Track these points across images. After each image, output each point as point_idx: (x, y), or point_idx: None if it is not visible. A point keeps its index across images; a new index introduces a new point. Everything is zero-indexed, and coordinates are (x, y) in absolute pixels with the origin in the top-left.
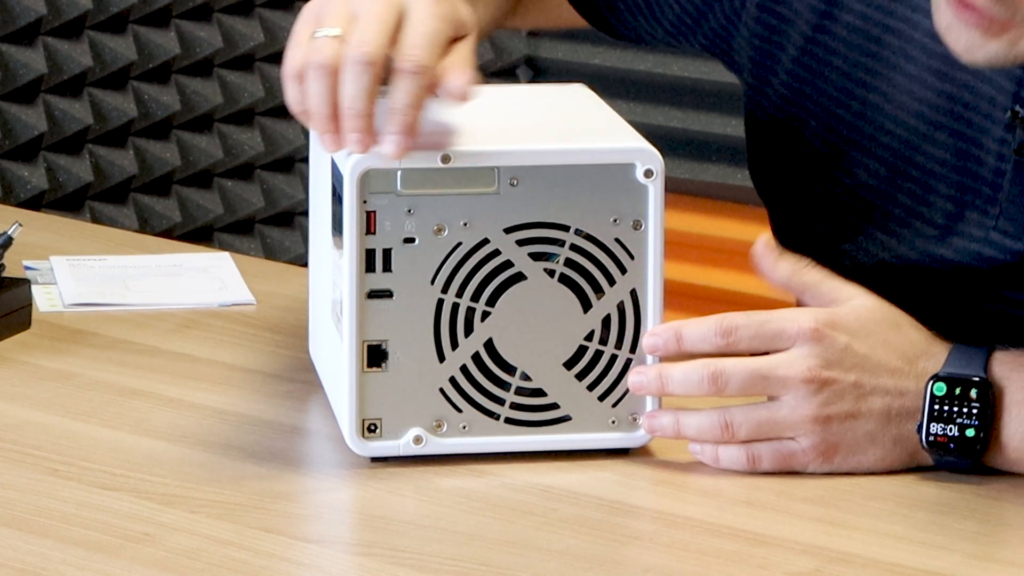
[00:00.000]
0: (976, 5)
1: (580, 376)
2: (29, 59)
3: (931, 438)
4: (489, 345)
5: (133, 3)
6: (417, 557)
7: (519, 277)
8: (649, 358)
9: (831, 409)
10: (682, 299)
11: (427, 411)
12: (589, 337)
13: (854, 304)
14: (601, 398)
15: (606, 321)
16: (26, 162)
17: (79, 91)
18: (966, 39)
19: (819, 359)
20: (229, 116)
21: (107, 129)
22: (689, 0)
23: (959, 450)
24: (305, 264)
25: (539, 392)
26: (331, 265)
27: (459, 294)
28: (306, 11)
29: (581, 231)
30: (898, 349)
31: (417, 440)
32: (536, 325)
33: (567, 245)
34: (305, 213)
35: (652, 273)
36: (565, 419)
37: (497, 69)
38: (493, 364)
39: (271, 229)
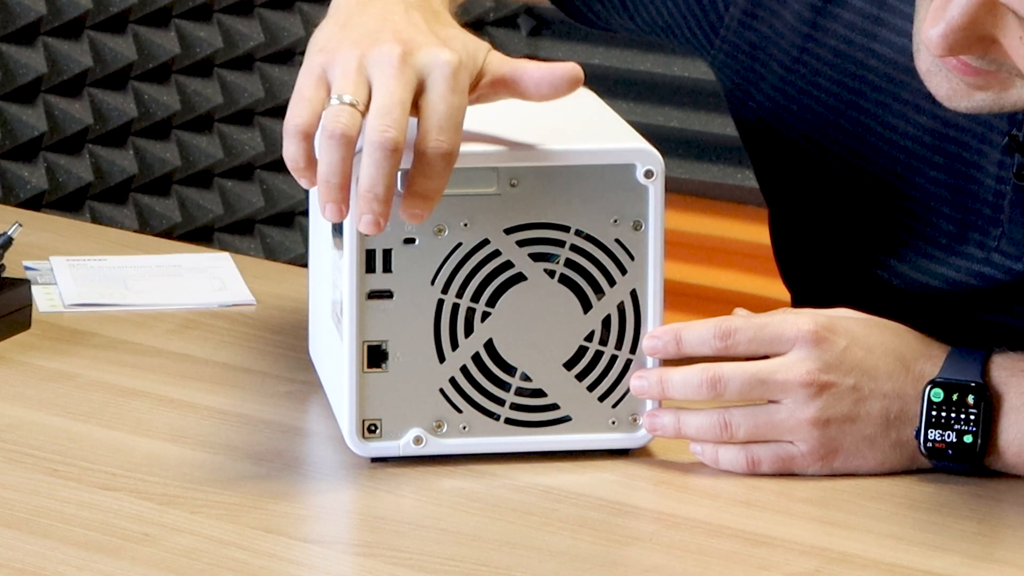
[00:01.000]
0: (961, 57)
1: (580, 376)
2: (29, 59)
3: (929, 444)
4: (489, 345)
5: (133, 3)
6: (417, 557)
7: (519, 278)
8: (649, 360)
9: (830, 412)
10: (682, 299)
11: (427, 411)
12: (589, 338)
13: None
14: (601, 399)
15: (606, 322)
16: (26, 162)
17: (79, 91)
18: (948, 87)
19: (818, 362)
20: (229, 116)
21: (107, 129)
22: (665, 6)
23: (957, 456)
24: (305, 264)
25: (539, 393)
26: (331, 265)
27: (459, 294)
28: (310, 63)
29: (581, 232)
30: (896, 352)
31: (417, 440)
32: (536, 325)
33: (567, 246)
34: (305, 213)
35: (652, 273)
36: (565, 419)
37: None
38: (493, 364)
39: (271, 229)
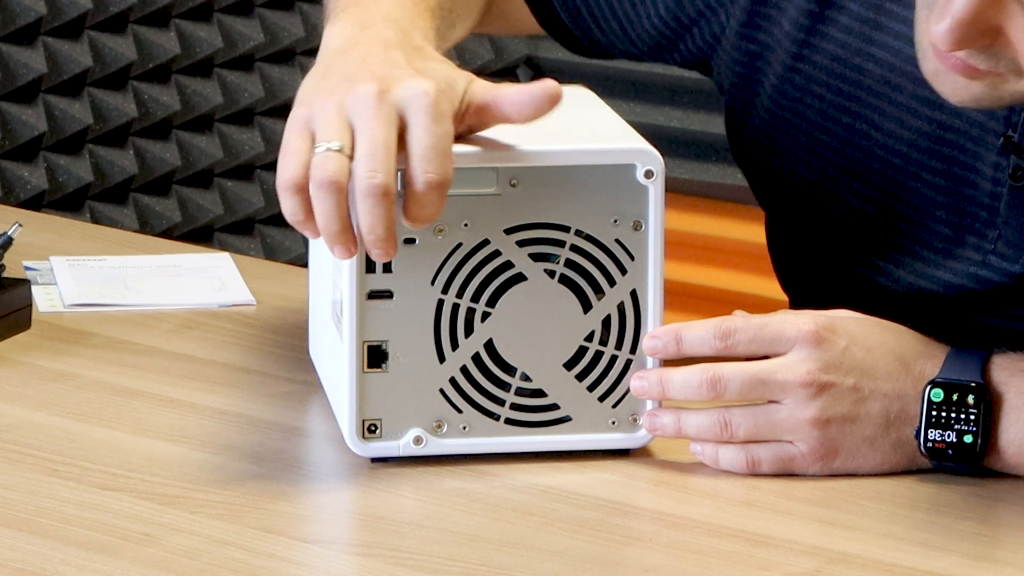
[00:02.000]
0: (959, 55)
1: (580, 377)
2: (29, 59)
3: (929, 444)
4: (489, 346)
5: (133, 3)
6: (417, 557)
7: (519, 278)
8: (649, 361)
9: (830, 412)
10: (682, 299)
11: (427, 412)
12: (589, 338)
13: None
14: (601, 399)
15: (606, 322)
16: (26, 162)
17: (79, 91)
18: (951, 84)
19: (818, 363)
20: (229, 116)
21: (107, 129)
22: (665, 23)
23: (957, 456)
24: (305, 264)
25: (539, 393)
26: (331, 265)
27: (459, 295)
28: (294, 118)
29: (581, 232)
30: (896, 352)
31: (417, 441)
32: (536, 326)
33: (567, 246)
34: None
35: (652, 274)
36: (565, 420)
37: (497, 69)
38: (493, 365)
39: (271, 229)
